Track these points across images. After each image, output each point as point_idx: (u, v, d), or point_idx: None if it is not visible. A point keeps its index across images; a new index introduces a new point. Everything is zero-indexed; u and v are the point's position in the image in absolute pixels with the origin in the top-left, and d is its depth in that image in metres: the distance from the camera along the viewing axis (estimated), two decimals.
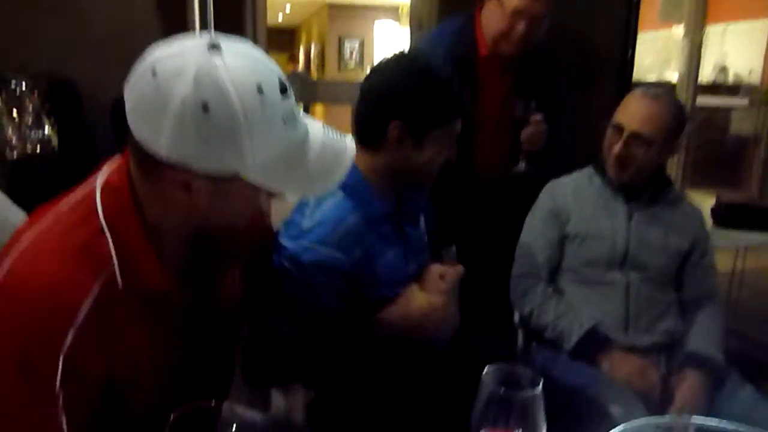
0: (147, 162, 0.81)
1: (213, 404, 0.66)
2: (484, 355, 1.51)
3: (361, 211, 1.26)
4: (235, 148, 0.78)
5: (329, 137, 0.91)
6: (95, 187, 0.87)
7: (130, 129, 0.81)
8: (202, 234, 0.94)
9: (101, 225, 0.83)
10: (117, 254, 0.83)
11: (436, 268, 1.29)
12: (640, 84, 3.15)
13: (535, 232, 1.78)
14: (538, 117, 1.90)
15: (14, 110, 2.40)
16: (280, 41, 11.87)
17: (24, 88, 2.40)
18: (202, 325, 0.98)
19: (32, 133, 2.43)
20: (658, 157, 1.66)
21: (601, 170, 1.75)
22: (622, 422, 1.31)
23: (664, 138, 1.62)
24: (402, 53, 1.32)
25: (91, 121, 2.55)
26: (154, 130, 0.78)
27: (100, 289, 0.81)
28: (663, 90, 1.74)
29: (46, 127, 2.46)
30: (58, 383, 0.77)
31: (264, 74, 0.81)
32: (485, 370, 0.71)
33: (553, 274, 1.76)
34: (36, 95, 2.43)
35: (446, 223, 1.92)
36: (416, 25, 2.67)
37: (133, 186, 0.87)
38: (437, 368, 1.43)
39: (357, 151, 1.31)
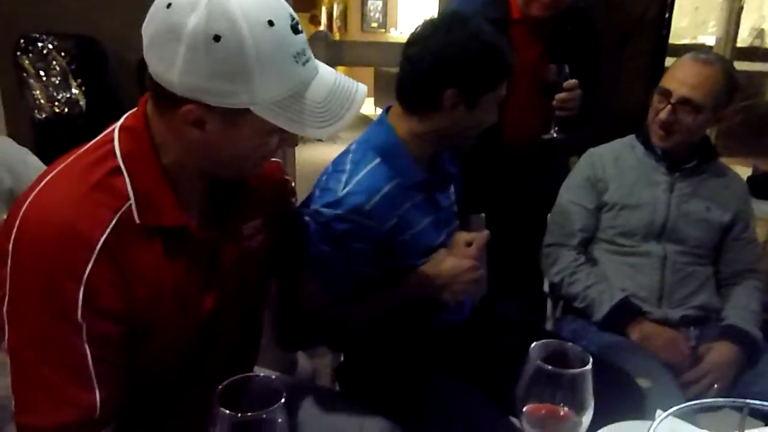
0: (162, 98, 0.85)
1: (261, 375, 0.65)
2: (510, 322, 1.53)
3: (398, 178, 1.26)
4: (246, 81, 0.81)
5: (340, 81, 0.93)
6: (114, 130, 0.91)
7: (147, 66, 0.84)
8: (219, 176, 0.97)
9: (118, 164, 0.87)
10: (134, 191, 0.86)
11: (463, 235, 1.31)
12: (675, 47, 3.05)
13: (570, 199, 1.75)
14: (572, 82, 1.84)
15: (42, 71, 2.41)
16: (302, 0, 11.67)
17: (51, 48, 2.40)
18: (228, 273, 0.99)
19: (60, 93, 2.44)
20: (705, 125, 1.60)
21: (643, 139, 1.70)
22: (651, 395, 1.31)
23: (714, 105, 1.56)
24: (448, 17, 1.27)
25: (118, 82, 2.55)
26: (167, 61, 0.80)
27: (116, 223, 0.83)
28: (715, 55, 1.65)
29: (74, 87, 2.46)
30: (80, 313, 0.80)
31: (275, 10, 0.83)
32: (532, 345, 0.70)
33: (587, 243, 1.73)
34: (63, 56, 2.42)
35: (475, 191, 1.89)
36: None
37: (150, 128, 0.89)
38: (464, 334, 1.44)
39: (398, 115, 1.31)
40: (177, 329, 0.93)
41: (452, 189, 1.48)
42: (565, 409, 0.67)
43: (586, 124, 2.01)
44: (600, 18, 2.14)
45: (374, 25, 10.84)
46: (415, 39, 1.26)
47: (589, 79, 1.97)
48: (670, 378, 1.45)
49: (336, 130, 0.91)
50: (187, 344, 0.97)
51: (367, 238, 1.22)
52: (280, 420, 0.60)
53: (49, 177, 0.87)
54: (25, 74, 2.43)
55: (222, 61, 0.79)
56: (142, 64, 0.85)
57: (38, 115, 2.44)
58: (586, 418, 0.68)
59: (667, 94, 1.58)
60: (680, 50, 3.01)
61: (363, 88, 0.95)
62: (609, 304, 1.59)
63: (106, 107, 2.52)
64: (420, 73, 1.25)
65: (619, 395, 1.22)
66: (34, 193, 0.85)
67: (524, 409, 0.69)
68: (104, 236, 0.82)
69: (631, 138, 1.76)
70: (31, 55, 2.39)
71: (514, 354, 0.75)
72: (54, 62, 2.40)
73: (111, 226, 0.83)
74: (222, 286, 0.98)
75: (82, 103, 2.45)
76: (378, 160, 1.25)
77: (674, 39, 3.01)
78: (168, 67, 0.80)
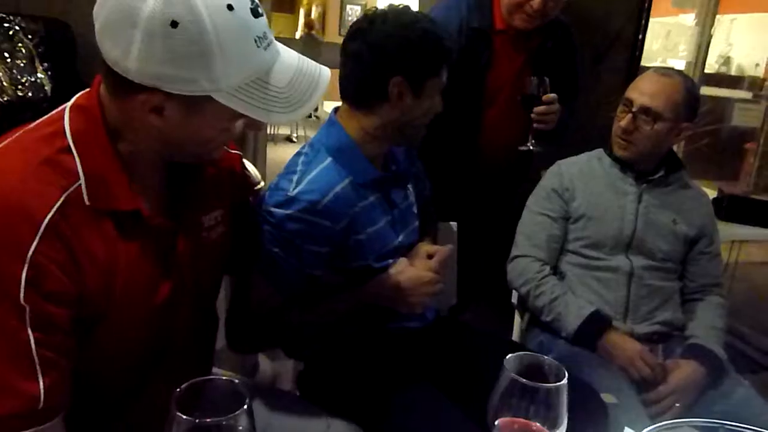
0: (119, 86, 0.81)
1: (223, 378, 0.62)
2: (475, 330, 1.51)
3: (351, 176, 1.25)
4: (206, 67, 0.78)
5: (303, 64, 0.91)
6: (64, 109, 0.87)
7: (101, 52, 0.80)
8: (177, 160, 0.94)
9: (68, 143, 0.83)
10: (84, 173, 0.82)
11: (425, 247, 1.33)
12: (646, 69, 3.10)
13: (536, 210, 1.75)
14: (551, 96, 1.85)
15: (6, 52, 2.31)
16: (282, 2, 11.60)
17: (18, 30, 2.31)
18: (183, 263, 0.96)
19: (24, 76, 2.34)
20: (666, 136, 1.62)
21: (610, 151, 1.72)
22: (616, 411, 1.31)
23: (673, 115, 1.59)
24: (384, 11, 1.25)
25: (86, 67, 2.47)
26: (123, 48, 0.77)
27: (63, 202, 0.80)
28: (675, 70, 1.70)
29: (39, 71, 2.37)
30: (23, 294, 0.75)
31: None
32: (507, 357, 0.68)
33: (554, 254, 1.72)
34: (31, 38, 2.34)
35: (450, 198, 1.88)
36: None
37: (103, 110, 0.86)
38: (427, 340, 1.43)
39: (346, 115, 1.30)
40: (130, 319, 0.89)
41: (410, 189, 1.46)
42: (538, 424, 0.65)
43: (562, 138, 2.02)
44: (578, 34, 2.16)
45: None
46: (354, 34, 1.25)
47: (568, 93, 1.99)
48: (634, 394, 1.46)
49: (300, 115, 0.90)
50: (142, 337, 0.93)
51: (320, 238, 1.20)
52: (241, 426, 0.57)
53: None
54: None
55: (180, 47, 0.76)
56: None
57: (0, 98, 2.35)
58: None
59: (628, 103, 1.63)
60: None
61: (326, 71, 0.93)
62: (578, 319, 1.58)
63: (73, 92, 2.43)
64: (362, 66, 1.24)
65: (584, 411, 1.22)
66: None
67: (496, 422, 0.67)
68: (50, 214, 0.78)
69: (598, 151, 1.77)
70: None
71: (480, 363, 0.73)
72: (20, 44, 2.31)
73: (57, 204, 0.79)
74: (177, 275, 0.95)
75: (47, 87, 2.36)
76: (330, 159, 1.25)
77: (646, 61, 3.08)
78: (123, 53, 0.77)
